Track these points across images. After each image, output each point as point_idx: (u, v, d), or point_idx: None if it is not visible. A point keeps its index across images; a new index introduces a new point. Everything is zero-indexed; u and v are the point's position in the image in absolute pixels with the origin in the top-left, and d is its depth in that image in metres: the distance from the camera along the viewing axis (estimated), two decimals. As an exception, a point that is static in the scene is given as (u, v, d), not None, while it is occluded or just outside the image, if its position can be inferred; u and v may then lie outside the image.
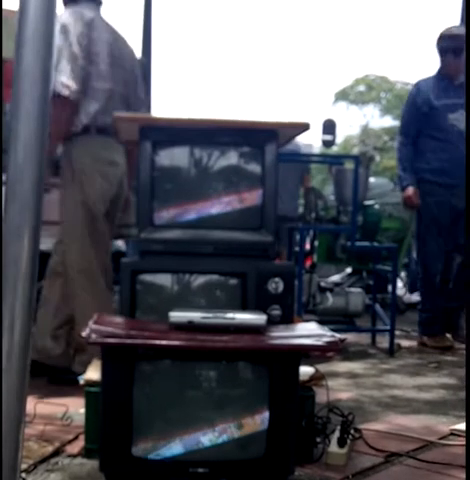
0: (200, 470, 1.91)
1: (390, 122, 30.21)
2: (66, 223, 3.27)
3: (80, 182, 3.22)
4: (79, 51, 3.18)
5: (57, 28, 2.92)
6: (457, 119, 4.72)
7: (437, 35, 4.77)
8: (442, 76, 4.79)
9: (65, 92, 3.12)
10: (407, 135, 4.84)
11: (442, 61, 4.77)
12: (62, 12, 3.28)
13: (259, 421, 1.92)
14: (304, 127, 2.35)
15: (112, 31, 3.43)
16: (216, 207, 2.18)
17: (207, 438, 1.91)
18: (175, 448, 1.91)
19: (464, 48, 4.52)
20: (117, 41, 3.43)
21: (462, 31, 4.74)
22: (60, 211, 3.25)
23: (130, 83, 3.50)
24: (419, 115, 4.76)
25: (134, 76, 3.56)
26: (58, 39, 3.08)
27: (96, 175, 3.26)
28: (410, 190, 4.74)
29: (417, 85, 4.88)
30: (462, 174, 5.17)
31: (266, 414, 1.91)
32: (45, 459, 2.21)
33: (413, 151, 4.77)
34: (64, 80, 3.13)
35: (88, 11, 3.32)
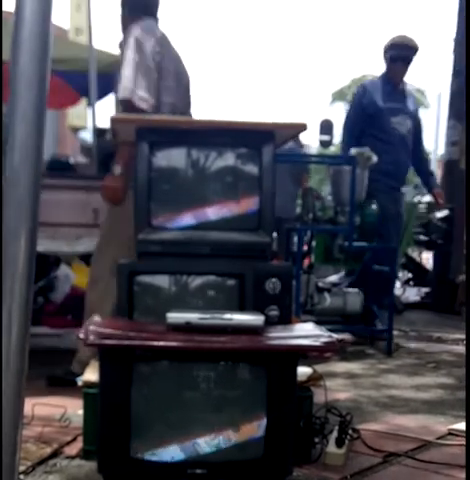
0: (198, 471, 1.91)
1: (387, 122, 30.27)
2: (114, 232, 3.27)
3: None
4: (153, 66, 3.26)
5: (131, 42, 3.18)
6: (399, 123, 4.82)
7: (388, 40, 4.87)
8: (387, 80, 4.88)
9: (143, 106, 3.17)
10: (351, 135, 4.92)
11: (391, 67, 4.86)
12: (133, 25, 3.34)
13: (257, 422, 1.92)
14: (301, 128, 2.36)
15: (175, 48, 3.52)
16: (214, 213, 2.18)
17: (205, 442, 1.91)
18: (174, 453, 1.91)
19: (411, 58, 4.78)
20: (179, 57, 3.53)
21: (413, 42, 4.84)
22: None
23: (186, 99, 3.59)
24: (365, 116, 4.82)
25: (189, 93, 3.65)
26: (131, 52, 3.18)
27: None
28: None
29: (363, 86, 4.94)
30: (403, 177, 5.26)
31: (264, 415, 1.91)
32: (43, 461, 2.21)
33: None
34: (142, 94, 3.18)
35: (155, 27, 3.41)
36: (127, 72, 3.17)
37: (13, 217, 1.24)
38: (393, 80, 4.88)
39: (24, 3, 1.23)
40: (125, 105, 3.16)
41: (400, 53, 4.79)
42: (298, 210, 5.94)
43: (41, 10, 1.24)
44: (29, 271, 1.25)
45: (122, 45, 3.37)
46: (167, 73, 3.36)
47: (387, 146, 4.77)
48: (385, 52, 4.87)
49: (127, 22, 3.41)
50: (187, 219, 2.18)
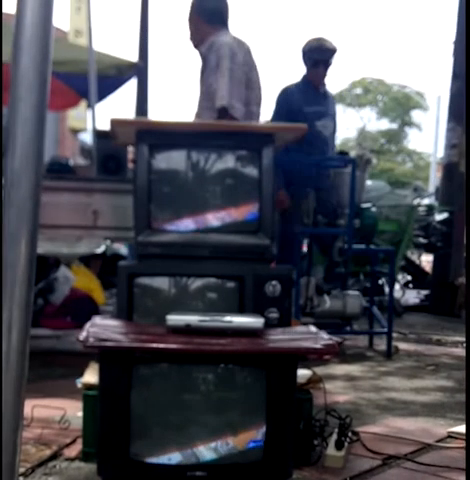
0: (198, 473, 1.90)
1: (387, 125, 30.29)
2: None
3: None
4: (243, 77, 3.40)
5: (226, 52, 3.32)
6: (323, 126, 4.80)
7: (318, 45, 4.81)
8: (309, 84, 4.82)
9: (237, 114, 3.30)
10: None
11: (311, 70, 4.80)
12: (220, 34, 3.46)
13: (257, 424, 1.92)
14: (301, 130, 2.36)
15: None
16: (214, 215, 2.18)
17: (205, 446, 1.91)
18: (173, 455, 1.91)
19: (331, 61, 4.75)
20: (257, 68, 3.64)
21: (331, 44, 4.79)
22: None
23: (260, 106, 3.70)
24: (290, 120, 4.70)
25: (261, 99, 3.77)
26: (227, 62, 3.32)
27: None
28: (280, 194, 4.73)
29: (286, 91, 4.84)
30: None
31: (264, 417, 1.91)
32: (43, 463, 2.21)
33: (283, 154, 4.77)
34: (235, 103, 3.32)
35: (238, 37, 3.52)
36: (224, 81, 3.32)
37: (14, 219, 1.24)
38: (314, 83, 4.82)
39: (25, 6, 1.23)
40: (221, 113, 3.30)
41: (320, 56, 4.73)
42: None
43: (42, 13, 1.24)
44: (29, 274, 1.25)
45: (206, 53, 3.47)
46: (253, 84, 3.51)
47: (313, 150, 4.72)
48: (304, 56, 4.80)
49: (206, 30, 3.53)
50: (187, 222, 2.18)
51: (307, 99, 4.74)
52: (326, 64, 4.78)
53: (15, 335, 1.23)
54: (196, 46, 3.61)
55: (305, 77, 4.85)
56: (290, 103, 4.73)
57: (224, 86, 3.32)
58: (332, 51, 4.77)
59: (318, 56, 4.74)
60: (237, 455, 1.92)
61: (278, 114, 4.76)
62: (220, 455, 1.92)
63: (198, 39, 3.58)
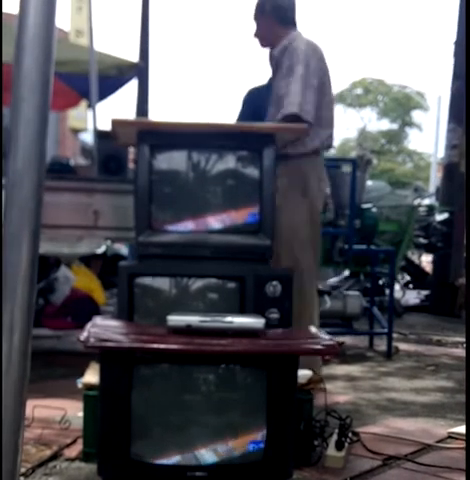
0: (198, 474, 1.91)
1: (387, 125, 30.27)
2: (293, 235, 3.34)
3: (310, 201, 3.38)
4: (317, 82, 3.37)
5: (300, 57, 3.31)
6: None
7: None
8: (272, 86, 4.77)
9: (308, 117, 3.27)
10: None
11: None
12: (294, 37, 3.43)
13: (257, 425, 1.92)
14: (302, 131, 2.36)
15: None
16: (214, 215, 2.18)
17: (206, 447, 1.91)
18: (174, 458, 1.91)
19: None
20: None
21: None
22: (286, 224, 3.32)
23: (332, 110, 3.70)
24: (255, 120, 4.57)
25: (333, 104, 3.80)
26: (301, 67, 3.31)
27: (320, 194, 3.49)
28: None
29: (253, 91, 4.75)
30: None
31: (264, 418, 1.91)
32: (43, 463, 2.21)
33: None
34: (309, 108, 3.29)
35: (312, 41, 3.49)
36: (296, 87, 3.30)
37: (16, 220, 1.24)
38: None
39: (28, 6, 1.23)
40: (292, 119, 3.24)
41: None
42: None
43: (45, 13, 1.24)
44: (32, 274, 1.25)
45: (279, 57, 3.46)
46: (325, 89, 3.49)
47: None
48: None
49: (278, 31, 3.49)
50: (188, 222, 2.19)
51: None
52: None
53: (17, 336, 1.23)
54: (264, 46, 3.59)
55: (271, 79, 4.80)
56: (256, 104, 4.65)
57: (296, 92, 3.30)
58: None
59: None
60: (237, 455, 1.92)
61: (244, 114, 4.53)
62: (220, 455, 1.92)
63: (269, 40, 3.55)
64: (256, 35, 3.58)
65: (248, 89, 4.78)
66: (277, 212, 3.33)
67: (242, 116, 4.67)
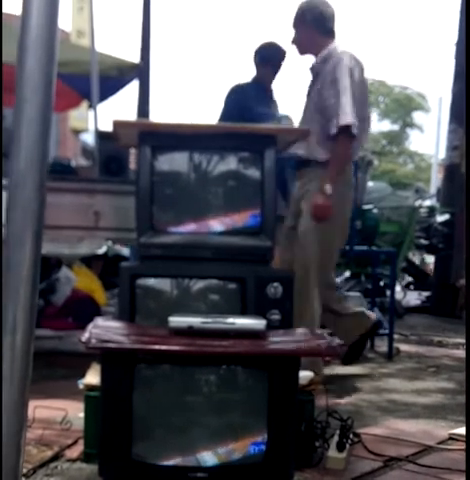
0: (199, 475, 1.91)
1: (388, 126, 30.25)
2: (324, 238, 3.45)
3: (343, 207, 3.52)
4: (358, 94, 3.46)
5: (345, 70, 3.41)
6: None
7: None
8: (258, 85, 4.72)
9: (356, 131, 3.39)
10: None
11: (263, 71, 4.70)
12: (335, 48, 3.54)
13: (258, 426, 1.92)
14: (303, 133, 2.36)
15: None
16: (216, 217, 2.19)
17: (207, 449, 1.91)
18: (175, 459, 1.91)
19: (282, 63, 4.67)
20: None
21: (282, 47, 4.71)
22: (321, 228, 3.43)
23: (370, 122, 3.85)
24: (240, 120, 4.48)
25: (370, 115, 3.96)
26: (347, 79, 3.41)
27: (351, 199, 3.65)
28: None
29: (236, 91, 4.71)
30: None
31: (265, 419, 1.91)
32: (44, 463, 2.21)
33: None
34: (356, 122, 3.39)
35: (352, 53, 3.57)
36: (346, 100, 3.39)
37: (19, 221, 1.24)
38: (264, 85, 4.73)
39: (31, 7, 1.23)
40: (346, 130, 3.38)
41: (271, 58, 4.63)
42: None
43: (48, 14, 1.24)
44: (34, 275, 1.25)
45: (320, 66, 3.55)
46: (366, 100, 3.60)
47: None
48: (255, 57, 4.70)
49: (319, 41, 3.59)
50: (189, 223, 2.19)
51: (257, 100, 4.62)
52: (276, 66, 4.70)
53: (20, 336, 1.23)
54: (302, 54, 3.69)
55: (256, 79, 4.74)
56: (242, 102, 4.57)
57: (347, 105, 3.39)
58: (283, 53, 4.68)
59: (268, 57, 4.64)
60: (238, 457, 1.92)
61: (229, 113, 4.59)
62: (221, 457, 1.92)
63: (309, 49, 3.65)
64: (294, 42, 3.69)
65: (230, 88, 4.75)
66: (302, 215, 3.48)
67: (226, 116, 4.63)
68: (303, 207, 3.50)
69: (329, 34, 3.60)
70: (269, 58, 4.66)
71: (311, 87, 3.65)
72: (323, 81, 3.49)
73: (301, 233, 3.49)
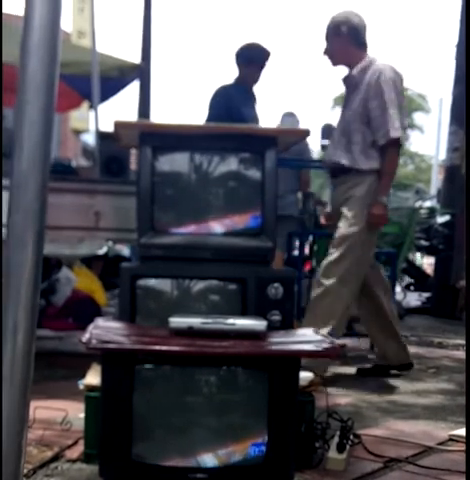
0: (199, 476, 1.91)
1: (389, 127, 30.21)
2: (353, 240, 3.63)
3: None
4: (400, 105, 3.63)
5: (390, 82, 3.58)
6: None
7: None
8: (242, 85, 4.69)
9: (402, 142, 3.61)
10: None
11: (247, 71, 4.67)
12: (373, 60, 3.69)
13: (258, 427, 1.92)
14: (304, 134, 2.36)
15: None
16: (217, 217, 2.19)
17: (207, 450, 1.91)
18: (175, 459, 1.91)
19: (265, 63, 4.66)
20: None
21: (266, 48, 4.72)
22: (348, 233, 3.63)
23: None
24: (228, 122, 4.38)
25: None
26: (392, 92, 3.58)
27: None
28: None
29: (221, 93, 4.66)
30: None
31: (265, 420, 1.91)
32: (44, 464, 2.21)
33: None
34: (402, 133, 3.59)
35: (392, 66, 3.71)
36: (394, 112, 3.56)
37: (20, 222, 1.24)
38: (248, 85, 4.71)
39: (33, 9, 1.23)
40: (395, 143, 3.58)
41: (255, 58, 4.63)
42: (299, 206, 5.83)
43: (50, 16, 1.24)
44: (36, 275, 1.25)
45: (360, 77, 3.68)
46: (405, 111, 3.82)
47: None
48: (238, 58, 4.69)
49: (355, 53, 3.73)
50: (190, 223, 2.19)
51: (243, 101, 4.61)
52: (263, 66, 4.69)
53: (21, 336, 1.23)
54: (335, 65, 3.82)
55: (240, 79, 4.70)
56: (227, 105, 4.54)
57: (395, 118, 3.55)
58: (267, 53, 4.69)
59: (255, 55, 4.64)
60: (238, 458, 1.92)
61: (216, 115, 4.53)
62: (221, 457, 1.92)
63: (343, 60, 3.78)
64: (327, 53, 3.80)
65: (215, 91, 4.71)
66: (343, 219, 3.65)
67: (213, 118, 4.52)
68: (344, 212, 3.66)
69: (363, 46, 3.74)
70: (253, 59, 4.65)
71: (348, 97, 3.78)
72: (366, 92, 3.63)
73: (340, 236, 3.64)
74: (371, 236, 3.69)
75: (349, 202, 3.65)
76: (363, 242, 3.63)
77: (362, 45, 3.74)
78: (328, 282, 3.60)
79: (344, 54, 3.75)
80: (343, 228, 3.64)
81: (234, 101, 4.55)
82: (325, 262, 3.68)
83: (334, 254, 3.64)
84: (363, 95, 3.63)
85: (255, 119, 4.62)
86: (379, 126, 3.57)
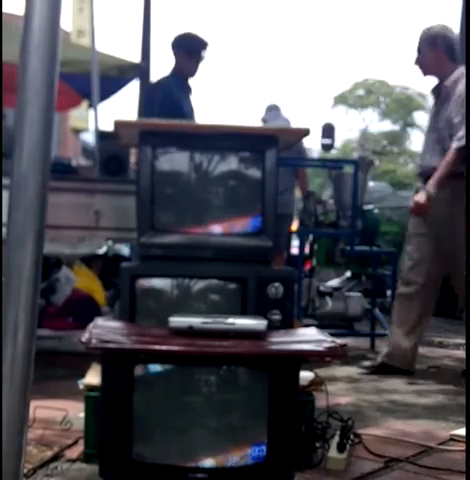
0: (199, 475, 1.90)
1: (389, 126, 30.26)
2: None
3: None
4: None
5: (463, 97, 3.67)
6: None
7: None
8: (178, 78, 4.53)
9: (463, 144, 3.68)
10: None
11: (185, 63, 4.52)
12: (463, 72, 3.77)
13: (259, 427, 1.91)
14: (304, 133, 2.36)
15: None
16: (217, 224, 2.19)
17: (207, 449, 1.91)
18: (175, 459, 1.91)
19: (204, 54, 4.53)
20: None
21: (203, 38, 4.59)
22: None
23: None
24: (171, 117, 4.00)
25: None
26: (462, 107, 3.68)
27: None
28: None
29: (164, 84, 4.49)
30: None
31: (266, 419, 1.91)
32: (44, 464, 2.21)
33: None
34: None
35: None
36: (463, 123, 3.64)
37: (20, 221, 1.24)
38: (185, 77, 4.56)
39: (33, 9, 1.23)
40: (460, 150, 3.67)
41: (193, 49, 4.48)
42: (297, 205, 5.83)
43: (50, 16, 1.24)
44: (36, 275, 1.25)
45: (451, 87, 3.80)
46: None
47: None
48: (174, 48, 4.53)
49: (449, 65, 3.86)
50: (190, 223, 2.19)
51: (182, 95, 4.49)
52: (201, 57, 4.54)
53: (21, 336, 1.23)
54: (427, 75, 3.95)
55: (175, 70, 4.55)
56: (169, 99, 4.37)
57: (463, 127, 3.63)
58: (205, 44, 4.55)
59: (191, 48, 4.50)
60: (239, 457, 1.92)
61: (155, 109, 4.29)
62: (222, 457, 1.91)
63: (435, 71, 3.91)
64: (419, 63, 3.92)
65: (152, 83, 4.58)
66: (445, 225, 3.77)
67: (151, 113, 4.26)
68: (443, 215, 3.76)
69: (457, 59, 3.84)
70: (192, 49, 4.51)
71: (438, 107, 3.89)
72: (452, 100, 3.76)
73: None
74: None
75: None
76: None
77: (457, 59, 3.85)
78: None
79: (438, 66, 3.87)
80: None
81: (173, 95, 4.38)
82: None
83: None
84: (449, 103, 3.77)
85: (192, 112, 4.52)
86: (457, 131, 3.68)
